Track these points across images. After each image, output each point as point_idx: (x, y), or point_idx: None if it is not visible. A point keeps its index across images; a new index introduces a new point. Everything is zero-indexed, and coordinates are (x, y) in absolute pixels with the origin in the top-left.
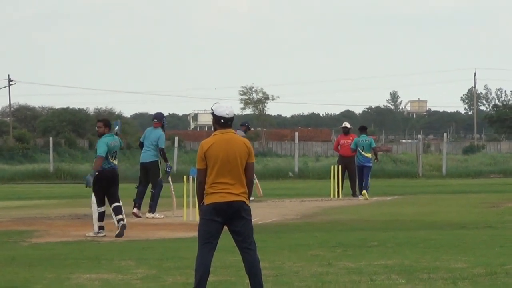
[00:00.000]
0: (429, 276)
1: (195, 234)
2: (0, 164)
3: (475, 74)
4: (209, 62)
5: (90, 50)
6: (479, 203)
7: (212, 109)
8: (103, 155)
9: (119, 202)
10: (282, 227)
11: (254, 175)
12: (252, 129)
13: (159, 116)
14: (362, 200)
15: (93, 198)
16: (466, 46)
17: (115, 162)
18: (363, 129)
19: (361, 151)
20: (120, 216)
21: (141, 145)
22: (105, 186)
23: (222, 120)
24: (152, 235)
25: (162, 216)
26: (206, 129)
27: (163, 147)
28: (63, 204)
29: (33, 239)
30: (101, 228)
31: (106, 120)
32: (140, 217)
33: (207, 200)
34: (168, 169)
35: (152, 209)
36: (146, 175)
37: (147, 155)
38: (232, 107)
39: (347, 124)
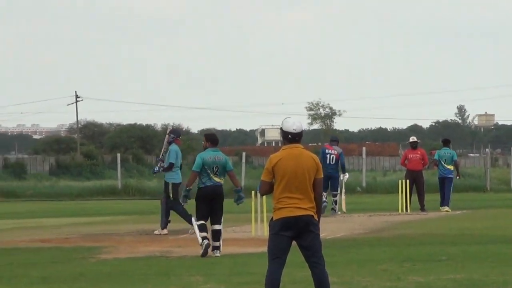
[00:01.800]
0: None
1: (264, 249)
2: (68, 180)
3: None
4: (276, 77)
5: (157, 65)
6: None
7: (281, 124)
8: (196, 169)
9: (220, 224)
10: (350, 242)
11: (343, 189)
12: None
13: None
14: (430, 215)
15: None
16: None
17: (217, 178)
18: (446, 142)
19: (443, 163)
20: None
21: (180, 166)
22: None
23: (289, 136)
24: (223, 250)
25: (166, 232)
26: (273, 144)
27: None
28: (131, 220)
29: (101, 255)
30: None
31: (207, 135)
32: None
33: (276, 216)
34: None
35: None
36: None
37: (180, 175)
38: (300, 122)
39: (415, 138)
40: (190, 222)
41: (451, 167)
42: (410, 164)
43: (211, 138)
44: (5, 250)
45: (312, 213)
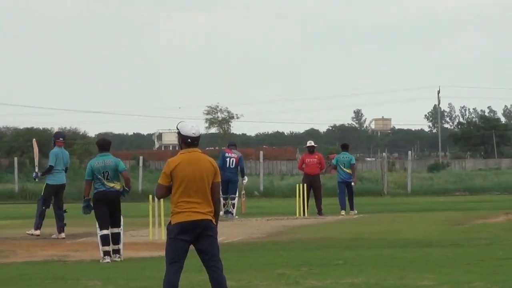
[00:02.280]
0: None
1: (161, 253)
2: None
3: (439, 92)
4: (172, 81)
5: (54, 68)
6: (444, 221)
7: (177, 128)
8: (88, 178)
9: (119, 227)
10: (247, 246)
11: (243, 193)
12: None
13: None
14: (328, 219)
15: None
16: (430, 64)
17: (110, 183)
18: (344, 147)
19: (342, 167)
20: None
21: (65, 169)
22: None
23: (189, 140)
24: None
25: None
26: (170, 148)
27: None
28: (29, 224)
29: None
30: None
31: (97, 141)
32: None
33: (174, 220)
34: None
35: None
36: (57, 197)
37: (63, 177)
38: (198, 125)
39: (312, 143)
40: (37, 227)
41: (350, 171)
42: (307, 168)
43: (99, 143)
44: None
45: (210, 217)
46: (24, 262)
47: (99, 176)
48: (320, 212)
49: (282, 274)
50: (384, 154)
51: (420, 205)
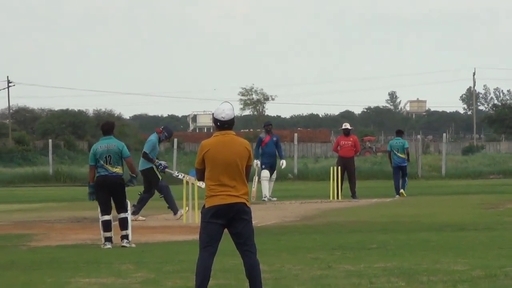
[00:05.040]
0: (429, 278)
1: (195, 237)
2: (1, 167)
3: (474, 74)
4: (208, 63)
5: (89, 50)
6: (478, 204)
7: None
8: (91, 163)
9: (126, 212)
10: (281, 229)
11: (256, 178)
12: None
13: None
14: (361, 202)
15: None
16: (465, 46)
17: (111, 168)
18: (399, 133)
19: (396, 152)
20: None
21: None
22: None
23: (218, 123)
24: (151, 238)
25: (144, 219)
26: (205, 130)
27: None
28: (62, 207)
29: (32, 243)
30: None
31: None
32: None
33: (208, 203)
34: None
35: (135, 211)
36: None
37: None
38: (231, 109)
39: (348, 125)
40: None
41: (404, 156)
42: (342, 150)
43: (102, 126)
44: None
45: (244, 200)
46: (57, 245)
47: (101, 161)
48: (354, 195)
49: (315, 258)
50: (418, 136)
51: (454, 188)
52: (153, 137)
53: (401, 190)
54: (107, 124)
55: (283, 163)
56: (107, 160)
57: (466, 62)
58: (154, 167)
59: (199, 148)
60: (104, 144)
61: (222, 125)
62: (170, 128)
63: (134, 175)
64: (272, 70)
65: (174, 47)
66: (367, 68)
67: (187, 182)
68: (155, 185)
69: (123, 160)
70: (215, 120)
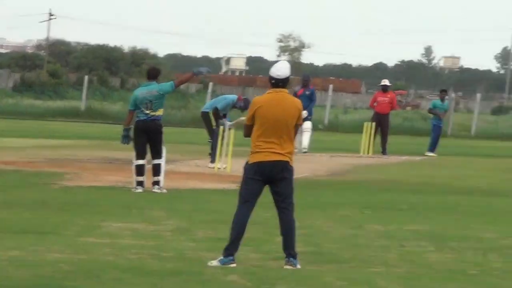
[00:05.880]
0: (459, 245)
1: (225, 186)
2: (31, 98)
3: None
4: (247, 6)
5: None
6: (509, 168)
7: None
8: (131, 108)
9: (160, 158)
10: (312, 184)
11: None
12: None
13: None
14: (392, 159)
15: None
16: (505, 5)
17: (151, 112)
18: (443, 92)
19: (438, 112)
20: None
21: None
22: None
23: (273, 80)
24: (182, 184)
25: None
26: (237, 74)
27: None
28: (94, 145)
29: (64, 182)
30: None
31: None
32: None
33: (252, 159)
34: None
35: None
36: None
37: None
38: (288, 67)
39: (387, 82)
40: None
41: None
42: (378, 107)
43: (148, 73)
44: None
45: (288, 159)
46: (89, 186)
47: (142, 107)
48: (384, 152)
49: (345, 216)
50: (452, 95)
51: (484, 149)
52: (230, 99)
53: (431, 153)
54: (153, 69)
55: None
56: (148, 106)
57: (505, 22)
58: (211, 112)
59: (251, 104)
60: (145, 90)
61: (277, 83)
62: (249, 102)
63: (196, 71)
64: (310, 18)
65: None
66: (404, 21)
67: (223, 130)
68: (209, 128)
69: (174, 89)
70: (270, 78)
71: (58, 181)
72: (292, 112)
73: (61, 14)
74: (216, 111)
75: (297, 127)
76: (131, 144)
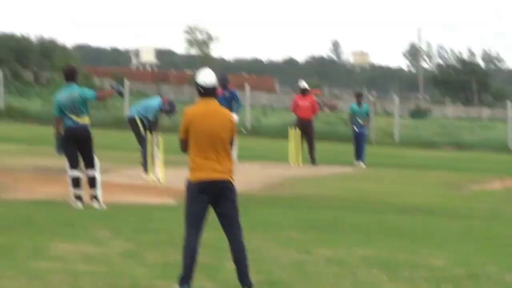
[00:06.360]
0: (411, 274)
1: (163, 201)
2: None
3: (419, 30)
4: None
5: None
6: (441, 183)
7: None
8: (55, 113)
9: (93, 168)
10: (249, 200)
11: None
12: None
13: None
14: (324, 171)
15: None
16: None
17: (77, 118)
18: (359, 96)
19: (357, 118)
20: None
21: None
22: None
23: (202, 90)
24: (120, 198)
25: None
26: (149, 69)
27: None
28: (22, 151)
29: (0, 194)
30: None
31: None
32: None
33: (192, 176)
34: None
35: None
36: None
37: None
38: (213, 75)
39: (305, 85)
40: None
41: (365, 122)
42: (300, 112)
43: (64, 73)
44: None
45: (229, 177)
46: (27, 200)
47: (66, 112)
48: (314, 161)
49: (290, 238)
50: (370, 97)
51: (410, 159)
52: (157, 105)
53: (361, 163)
54: (70, 70)
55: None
56: (72, 110)
57: (411, 17)
58: (138, 118)
59: (183, 116)
60: (66, 93)
61: (206, 92)
62: (174, 105)
63: (119, 90)
64: (217, 9)
65: None
66: (311, 14)
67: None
68: (137, 134)
69: (95, 101)
70: (198, 86)
71: None
72: (225, 125)
73: None
74: (145, 119)
75: (232, 141)
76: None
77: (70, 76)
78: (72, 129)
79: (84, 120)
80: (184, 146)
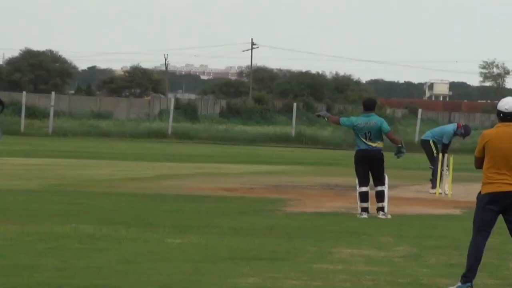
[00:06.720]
0: None
1: (449, 211)
2: (238, 124)
3: None
4: (450, 33)
5: (328, 16)
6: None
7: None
8: (342, 123)
9: (383, 185)
10: None
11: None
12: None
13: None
14: None
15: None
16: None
17: (371, 143)
18: None
19: None
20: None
21: None
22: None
23: (501, 114)
24: (406, 210)
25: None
26: (441, 99)
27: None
28: (310, 171)
29: (287, 208)
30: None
31: (363, 101)
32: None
33: (484, 190)
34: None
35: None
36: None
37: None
38: None
39: None
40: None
41: None
42: None
43: (364, 103)
44: (192, 197)
45: None
46: (313, 212)
47: (360, 136)
48: None
49: None
50: None
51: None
52: (451, 128)
53: None
54: (370, 101)
55: None
56: (367, 136)
57: None
58: (431, 141)
59: (481, 137)
60: (364, 121)
61: (505, 116)
62: (469, 128)
63: (400, 145)
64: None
65: (415, 16)
66: None
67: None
68: (429, 155)
69: (385, 135)
70: (498, 112)
71: (282, 207)
72: None
73: (262, 43)
74: (439, 142)
75: None
76: (352, 171)
77: (369, 106)
78: (364, 151)
79: (378, 145)
80: (479, 163)
